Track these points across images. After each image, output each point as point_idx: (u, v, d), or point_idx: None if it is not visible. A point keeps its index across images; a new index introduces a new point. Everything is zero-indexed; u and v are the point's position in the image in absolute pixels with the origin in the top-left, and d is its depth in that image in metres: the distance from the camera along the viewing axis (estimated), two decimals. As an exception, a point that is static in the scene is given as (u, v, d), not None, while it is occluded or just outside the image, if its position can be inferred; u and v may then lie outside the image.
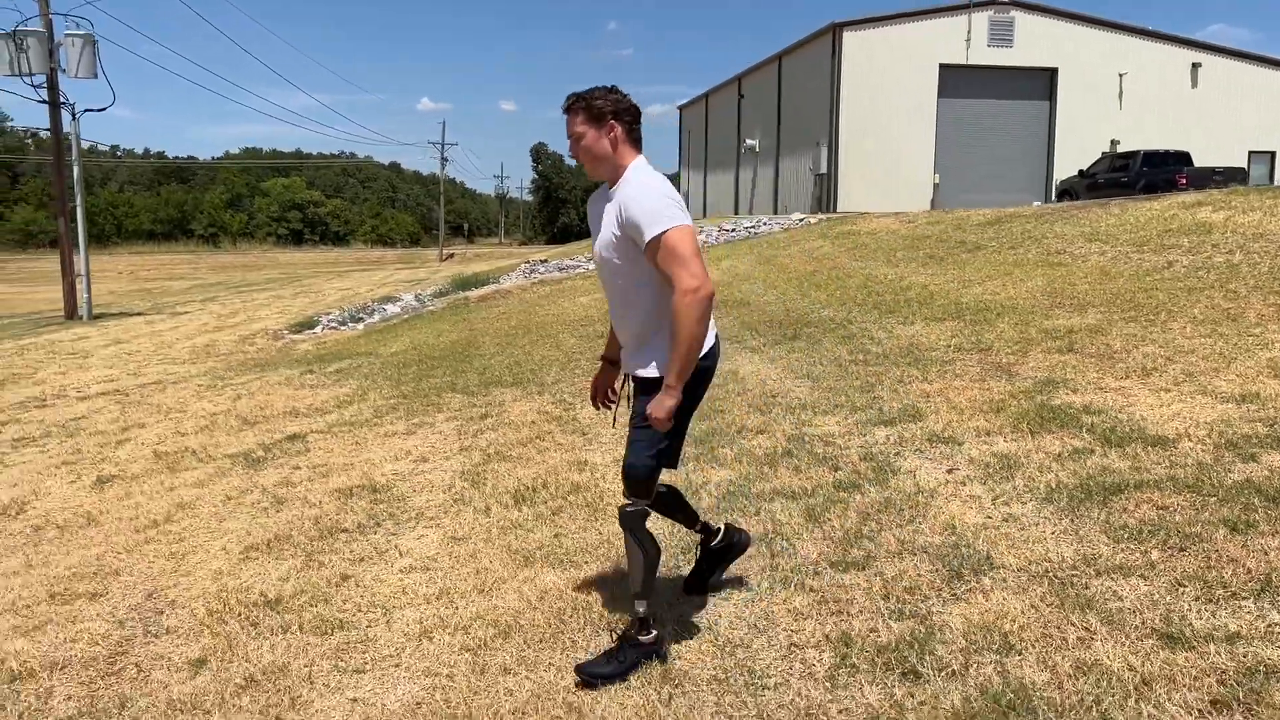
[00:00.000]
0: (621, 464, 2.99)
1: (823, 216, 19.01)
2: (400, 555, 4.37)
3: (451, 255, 53.84)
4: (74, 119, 20.35)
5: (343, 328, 14.72)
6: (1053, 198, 28.24)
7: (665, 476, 3.12)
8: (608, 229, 2.88)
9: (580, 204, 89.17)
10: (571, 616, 3.48)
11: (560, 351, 9.04)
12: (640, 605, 3.03)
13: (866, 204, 26.38)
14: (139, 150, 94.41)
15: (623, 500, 3.01)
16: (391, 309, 16.10)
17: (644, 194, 2.77)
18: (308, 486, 5.70)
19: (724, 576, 3.57)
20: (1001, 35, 29.39)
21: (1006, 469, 4.30)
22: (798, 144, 32.23)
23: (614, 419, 3.39)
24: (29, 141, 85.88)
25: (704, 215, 41.09)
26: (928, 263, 9.91)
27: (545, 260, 18.79)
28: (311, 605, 3.88)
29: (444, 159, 59.24)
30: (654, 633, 3.05)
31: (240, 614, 3.86)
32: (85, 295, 20.31)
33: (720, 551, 3.45)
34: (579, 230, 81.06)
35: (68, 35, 19.31)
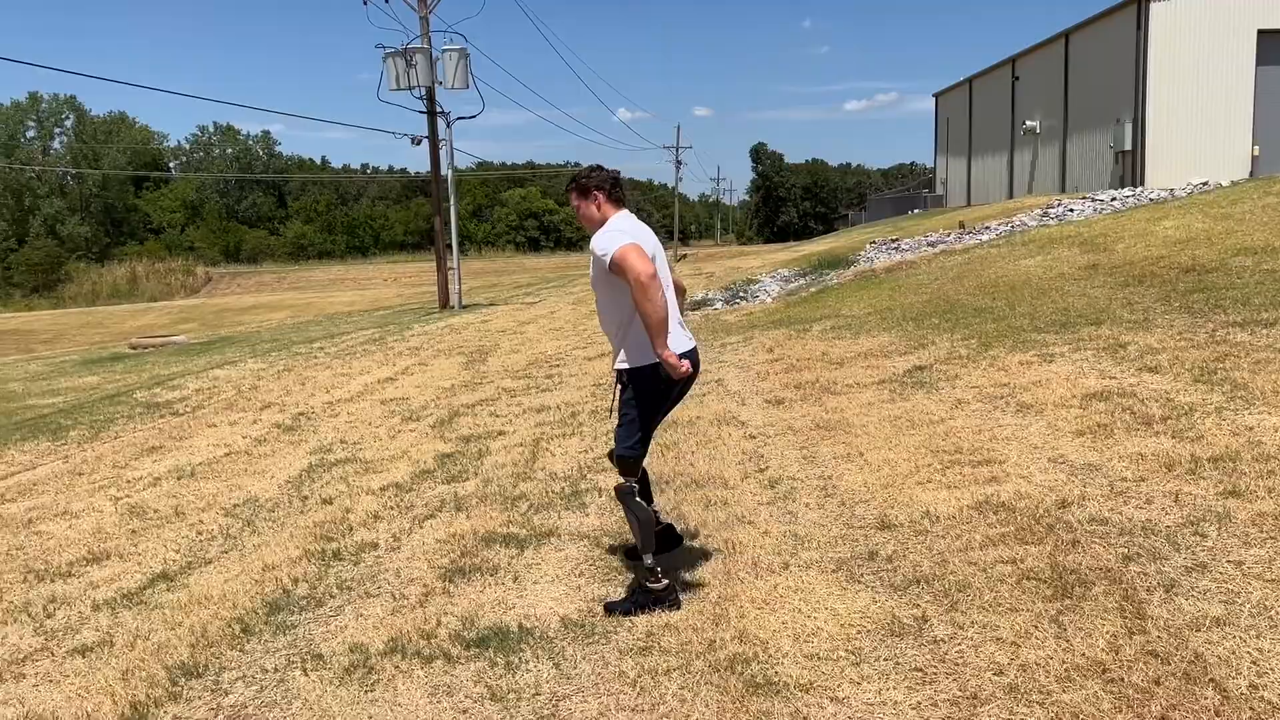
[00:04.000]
0: (614, 452, 3.85)
1: (1236, 180, 18.49)
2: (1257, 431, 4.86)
3: (684, 255, 54.80)
4: (449, 126, 22.57)
5: (741, 303, 15.62)
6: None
7: None
8: (591, 261, 3.83)
9: (800, 202, 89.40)
10: None
11: (1093, 299, 9.28)
12: (647, 558, 3.70)
13: (1176, 179, 25.18)
14: (383, 167, 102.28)
15: (618, 480, 3.81)
16: (770, 287, 16.94)
17: (602, 232, 3.76)
18: (1040, 394, 6.26)
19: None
20: (1331, -7, 27.35)
21: None
22: (1089, 122, 31.16)
23: (611, 409, 4.14)
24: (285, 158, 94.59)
25: (967, 202, 40.19)
26: None
27: (895, 239, 19.15)
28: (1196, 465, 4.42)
29: (679, 162, 60.84)
30: (663, 581, 3.72)
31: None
32: (456, 288, 22.45)
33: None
34: (798, 229, 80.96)
35: (445, 50, 21.40)
